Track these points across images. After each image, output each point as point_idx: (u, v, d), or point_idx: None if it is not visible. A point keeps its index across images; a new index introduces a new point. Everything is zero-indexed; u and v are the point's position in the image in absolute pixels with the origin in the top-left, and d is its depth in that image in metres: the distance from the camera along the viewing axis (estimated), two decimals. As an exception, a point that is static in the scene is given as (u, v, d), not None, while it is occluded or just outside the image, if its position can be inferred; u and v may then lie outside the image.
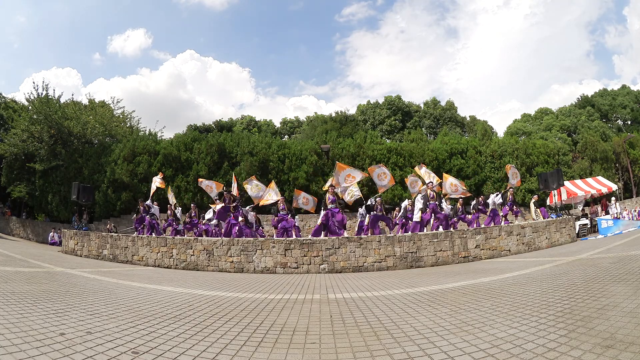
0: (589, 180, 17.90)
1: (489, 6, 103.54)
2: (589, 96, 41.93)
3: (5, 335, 2.40)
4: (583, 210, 16.96)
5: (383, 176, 11.18)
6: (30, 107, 19.03)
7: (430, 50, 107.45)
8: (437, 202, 10.38)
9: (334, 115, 32.56)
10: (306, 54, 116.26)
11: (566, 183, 15.45)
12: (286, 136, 40.51)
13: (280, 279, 6.74)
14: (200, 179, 13.27)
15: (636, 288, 3.39)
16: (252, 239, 8.71)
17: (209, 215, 12.13)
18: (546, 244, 9.45)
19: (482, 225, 10.63)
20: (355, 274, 7.43)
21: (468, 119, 38.75)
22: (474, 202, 12.09)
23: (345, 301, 4.08)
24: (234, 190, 11.45)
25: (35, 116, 18.26)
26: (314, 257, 8.04)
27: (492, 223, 10.96)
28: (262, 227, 12.03)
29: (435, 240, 8.39)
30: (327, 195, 10.10)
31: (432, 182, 10.78)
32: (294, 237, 9.61)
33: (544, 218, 11.86)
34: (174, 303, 3.91)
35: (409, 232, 9.41)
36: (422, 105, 40.02)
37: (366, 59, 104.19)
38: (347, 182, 10.37)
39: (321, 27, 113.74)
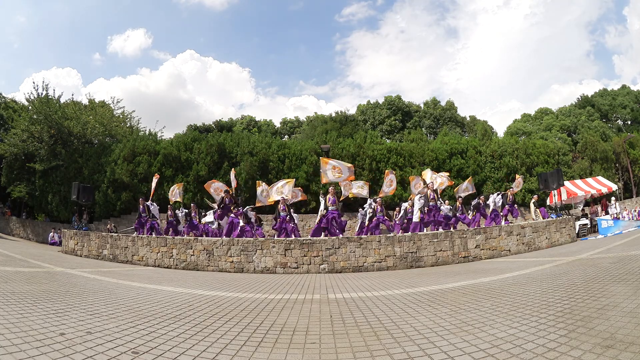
0: (589, 180, 17.88)
1: (489, 6, 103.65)
2: (589, 96, 41.92)
3: (5, 335, 2.40)
4: (583, 210, 16.96)
5: (389, 183, 11.87)
6: (30, 107, 19.03)
7: (430, 50, 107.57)
8: (436, 204, 10.36)
9: (334, 115, 32.56)
10: (306, 54, 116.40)
11: (566, 183, 15.44)
12: (286, 136, 40.51)
13: (280, 279, 6.74)
14: (209, 183, 12.33)
15: (636, 288, 3.39)
16: (252, 239, 8.71)
17: (209, 218, 12.08)
18: (546, 244, 9.45)
19: (482, 226, 10.64)
20: (355, 274, 7.43)
21: (468, 119, 38.76)
22: (474, 202, 12.10)
23: (345, 301, 4.07)
24: (233, 181, 11.33)
25: (35, 116, 18.25)
26: (314, 257, 8.04)
27: (493, 223, 10.97)
28: (262, 227, 12.00)
29: (435, 240, 8.39)
30: (328, 196, 10.07)
31: (432, 182, 10.77)
32: (294, 237, 9.59)
33: (543, 218, 11.87)
34: (174, 303, 3.91)
35: (409, 232, 9.41)
36: (422, 105, 40.03)
37: (366, 59, 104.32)
38: (335, 176, 10.38)
39: (321, 27, 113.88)
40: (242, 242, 8.42)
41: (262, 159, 16.46)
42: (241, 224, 10.17)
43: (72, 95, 23.73)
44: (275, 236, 10.36)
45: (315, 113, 39.21)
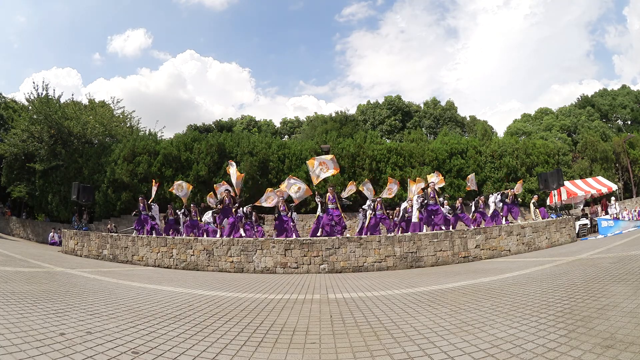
0: (589, 180, 17.90)
1: (489, 6, 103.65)
2: (589, 96, 41.95)
3: (5, 335, 2.40)
4: (583, 210, 16.98)
5: (389, 191, 12.33)
6: (30, 107, 19.03)
7: (430, 50, 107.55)
8: (437, 203, 10.33)
9: (334, 115, 32.57)
10: (306, 54, 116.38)
11: (566, 183, 15.45)
12: (286, 136, 40.52)
13: (280, 279, 6.74)
14: (217, 186, 12.18)
15: (636, 288, 3.39)
16: (252, 238, 8.71)
17: (208, 218, 12.07)
18: (546, 244, 9.45)
19: (482, 225, 10.64)
20: (355, 274, 7.43)
21: (468, 119, 38.78)
22: (474, 202, 12.10)
23: (345, 301, 4.07)
24: (233, 176, 11.31)
25: (35, 116, 18.25)
26: (314, 257, 8.04)
27: (494, 223, 10.98)
28: (262, 226, 12.00)
29: (435, 240, 8.39)
30: (327, 195, 10.06)
31: (433, 182, 10.75)
32: (294, 237, 9.59)
33: (543, 218, 11.87)
34: (174, 303, 3.91)
35: (409, 232, 9.40)
36: (422, 105, 40.05)
37: (366, 59, 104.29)
38: (324, 172, 10.38)
39: (321, 27, 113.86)
40: (242, 242, 8.42)
41: (262, 159, 16.46)
42: (241, 231, 10.26)
43: (72, 95, 23.77)
44: (275, 236, 10.37)
45: (315, 113, 39.28)
